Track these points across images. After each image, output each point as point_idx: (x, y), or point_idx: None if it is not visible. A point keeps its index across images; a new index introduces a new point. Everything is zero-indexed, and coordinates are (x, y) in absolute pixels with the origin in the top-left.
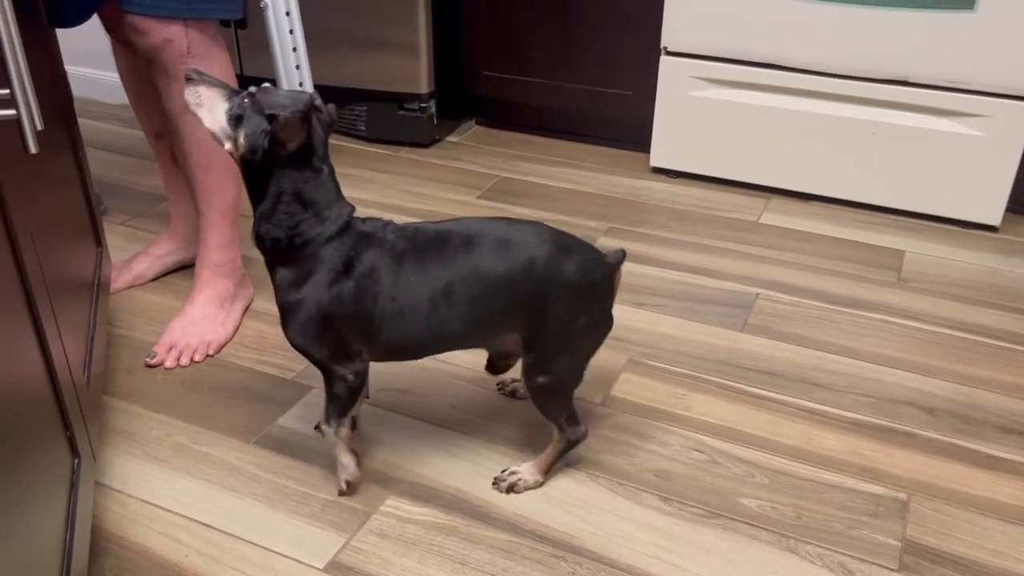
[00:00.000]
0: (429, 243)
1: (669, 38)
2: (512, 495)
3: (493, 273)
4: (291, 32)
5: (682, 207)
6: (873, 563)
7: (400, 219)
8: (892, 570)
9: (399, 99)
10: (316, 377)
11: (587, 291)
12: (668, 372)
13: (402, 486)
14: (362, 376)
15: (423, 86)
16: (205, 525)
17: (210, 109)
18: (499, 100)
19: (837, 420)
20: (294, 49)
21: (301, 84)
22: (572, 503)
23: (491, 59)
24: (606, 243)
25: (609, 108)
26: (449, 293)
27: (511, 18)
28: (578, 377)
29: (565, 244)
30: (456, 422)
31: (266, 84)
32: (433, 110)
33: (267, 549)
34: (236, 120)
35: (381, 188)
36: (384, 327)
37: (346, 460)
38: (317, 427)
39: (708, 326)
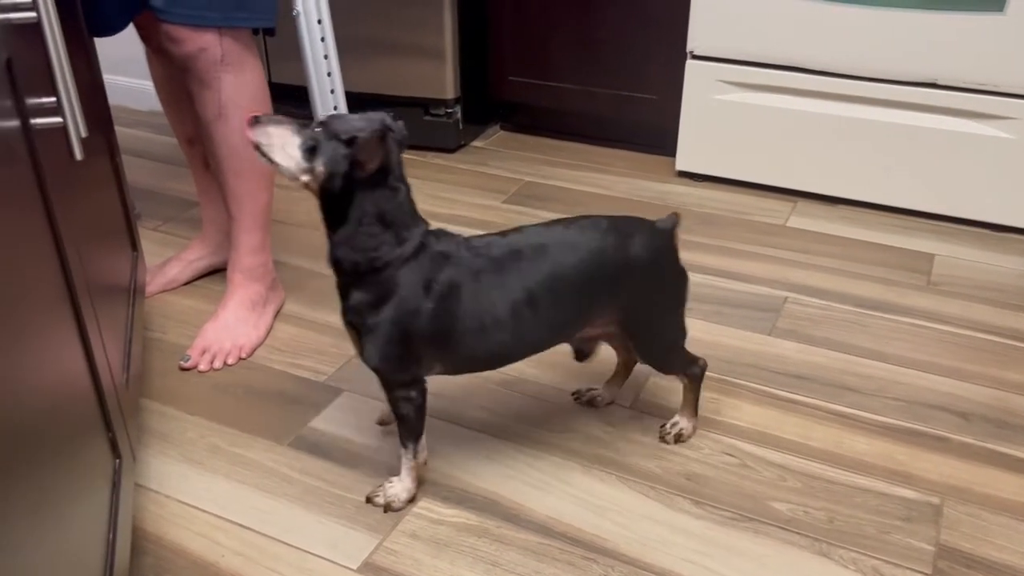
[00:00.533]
0: (503, 257)
1: (695, 42)
2: (544, 499)
3: (570, 274)
4: (322, 39)
5: (708, 211)
6: (907, 568)
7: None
8: (926, 575)
9: (425, 104)
10: (347, 380)
11: (658, 260)
12: None
13: (434, 488)
14: (425, 393)
15: (449, 91)
16: (240, 526)
17: (282, 147)
18: (524, 105)
19: (868, 424)
20: (325, 56)
21: (332, 91)
22: (603, 506)
23: (516, 64)
24: None
25: (635, 112)
26: (531, 301)
27: (536, 23)
28: (683, 332)
29: (624, 229)
30: (487, 425)
31: (334, 111)
32: (459, 115)
33: (302, 550)
34: (310, 152)
35: None
36: (464, 343)
37: (410, 484)
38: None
39: (737, 330)
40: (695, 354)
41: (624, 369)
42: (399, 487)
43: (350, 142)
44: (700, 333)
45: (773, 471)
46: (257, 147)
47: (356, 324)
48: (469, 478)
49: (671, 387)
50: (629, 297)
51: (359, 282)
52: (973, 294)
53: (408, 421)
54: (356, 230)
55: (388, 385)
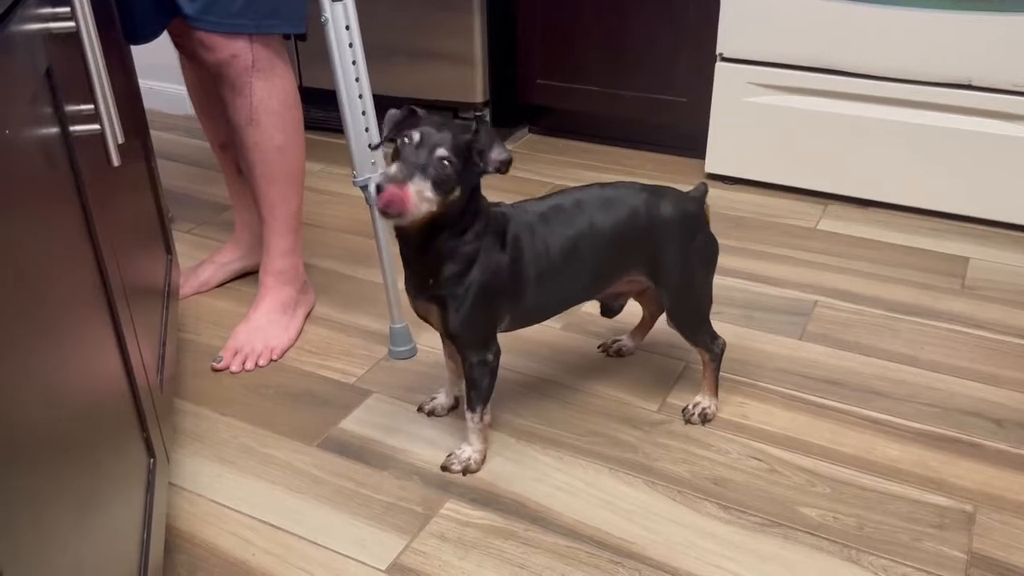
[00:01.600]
0: (548, 212)
1: (724, 44)
2: (571, 502)
3: (607, 227)
4: (351, 45)
5: (738, 214)
6: None
7: None
8: None
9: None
10: (377, 382)
11: (688, 222)
12: (726, 379)
13: (461, 490)
14: (499, 355)
15: (478, 95)
16: (271, 525)
17: (418, 200)
18: (553, 108)
19: (901, 430)
20: (354, 62)
21: (360, 96)
22: (630, 510)
23: (545, 67)
24: None
25: (664, 115)
26: (576, 250)
27: (564, 26)
28: (710, 298)
29: (657, 191)
30: (514, 428)
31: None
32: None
33: (331, 550)
34: (441, 183)
35: None
36: (529, 290)
37: (481, 446)
38: (420, 408)
39: (766, 334)
40: (717, 332)
41: (649, 320)
42: (470, 451)
43: (505, 162)
44: (730, 337)
45: (802, 476)
46: (407, 214)
47: (444, 295)
48: (496, 481)
49: (698, 390)
50: (660, 252)
51: (453, 257)
52: (1009, 298)
53: (480, 387)
54: (472, 222)
55: (466, 349)
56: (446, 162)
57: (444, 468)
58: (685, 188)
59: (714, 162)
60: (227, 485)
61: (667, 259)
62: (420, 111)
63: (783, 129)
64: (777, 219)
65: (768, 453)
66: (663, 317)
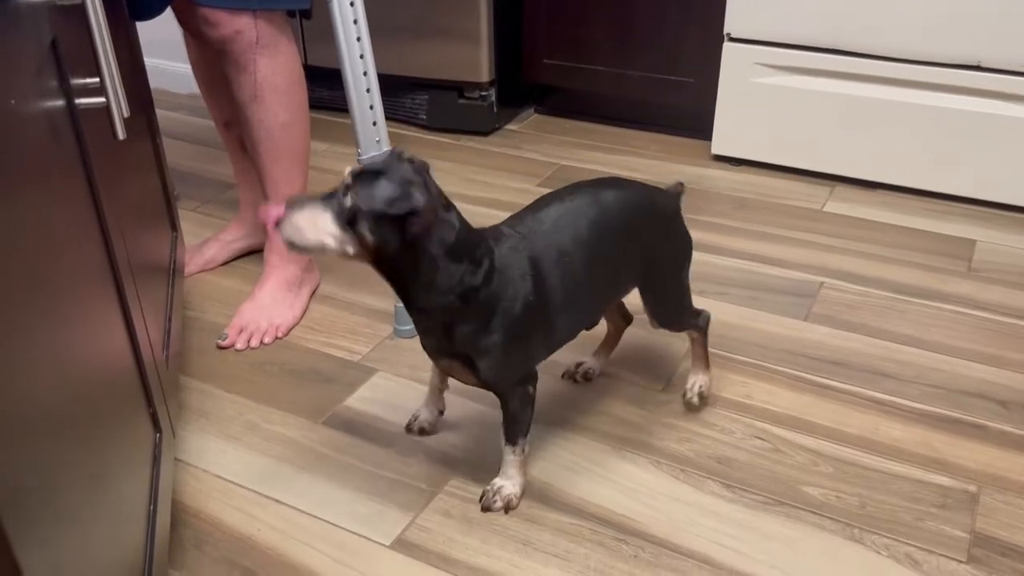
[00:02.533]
0: (551, 228)
1: (732, 24)
2: (575, 480)
3: (614, 230)
4: (355, 22)
5: (744, 195)
6: (941, 555)
7: (462, 208)
8: (960, 562)
9: (459, 88)
10: (382, 360)
11: (672, 220)
12: (730, 360)
13: (465, 467)
14: (536, 382)
15: (483, 75)
16: (276, 501)
17: (314, 230)
18: (559, 88)
19: (905, 411)
20: (358, 39)
21: (365, 73)
22: (634, 488)
23: (551, 47)
24: None
25: (670, 95)
26: (594, 262)
27: (571, 6)
28: (688, 289)
29: (644, 192)
30: None
31: (352, 170)
32: (493, 98)
33: (336, 525)
34: (350, 224)
35: (442, 177)
36: (560, 317)
37: (521, 479)
38: (408, 428)
39: (771, 315)
40: (697, 308)
41: (615, 335)
42: (510, 485)
43: (402, 220)
44: (734, 318)
45: (806, 456)
46: (289, 243)
47: (466, 352)
48: (500, 458)
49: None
50: (650, 253)
51: (461, 316)
52: (1015, 281)
53: (520, 420)
54: (433, 277)
55: (506, 392)
56: (347, 197)
57: (485, 508)
58: (691, 170)
59: (720, 143)
60: (233, 461)
61: (656, 257)
62: (405, 155)
63: (790, 110)
64: (783, 200)
65: (772, 433)
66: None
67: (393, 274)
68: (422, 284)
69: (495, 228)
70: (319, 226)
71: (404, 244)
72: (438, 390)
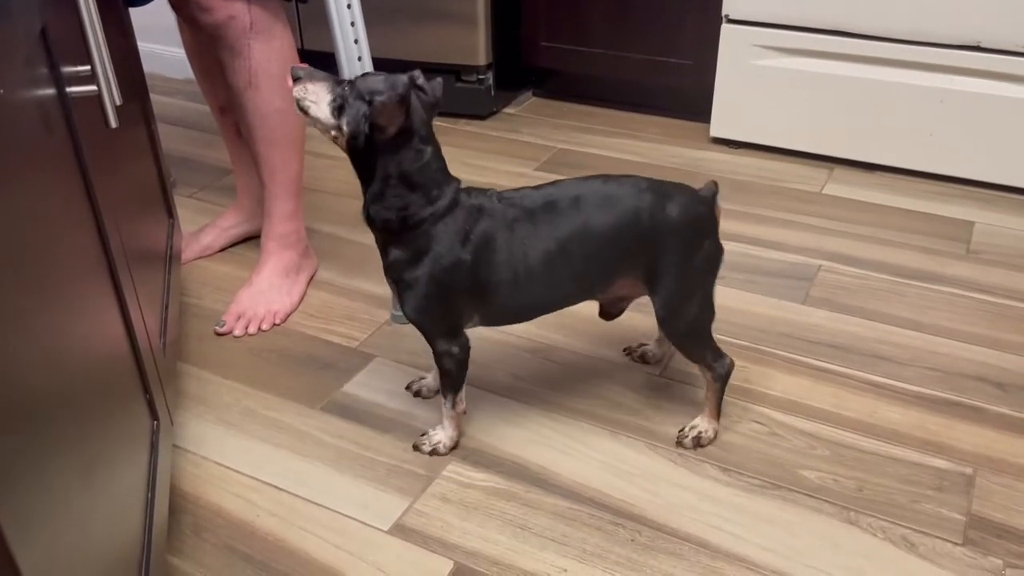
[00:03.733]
0: (537, 208)
1: (730, 5)
2: (572, 464)
3: (603, 229)
4: (349, 6)
5: (743, 178)
6: (937, 537)
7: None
8: (956, 544)
9: (457, 71)
10: (379, 346)
11: (695, 227)
12: (729, 344)
13: (463, 452)
14: (467, 349)
15: (481, 58)
16: (275, 487)
17: (316, 102)
18: (557, 71)
19: (902, 394)
20: (352, 23)
21: (360, 58)
22: (631, 472)
23: (549, 30)
24: None
25: (669, 78)
26: (563, 254)
27: None
28: (710, 311)
29: (663, 190)
30: (516, 391)
31: (368, 71)
32: (491, 82)
33: (334, 511)
34: (339, 109)
35: None
36: (500, 293)
37: (452, 432)
38: (408, 387)
39: (770, 298)
40: (723, 350)
41: None
42: (442, 435)
43: (370, 103)
44: (733, 301)
45: (803, 440)
46: (298, 102)
47: (395, 279)
48: (498, 443)
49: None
50: (659, 259)
51: (395, 239)
52: (1013, 263)
53: (450, 374)
54: (383, 189)
55: (429, 338)
56: (347, 87)
57: (415, 447)
58: (690, 153)
59: (719, 126)
60: (231, 448)
61: (666, 267)
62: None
63: (789, 92)
64: (782, 183)
65: (769, 417)
66: None
67: (359, 172)
68: (375, 192)
69: (484, 190)
70: (320, 103)
71: (369, 143)
72: None
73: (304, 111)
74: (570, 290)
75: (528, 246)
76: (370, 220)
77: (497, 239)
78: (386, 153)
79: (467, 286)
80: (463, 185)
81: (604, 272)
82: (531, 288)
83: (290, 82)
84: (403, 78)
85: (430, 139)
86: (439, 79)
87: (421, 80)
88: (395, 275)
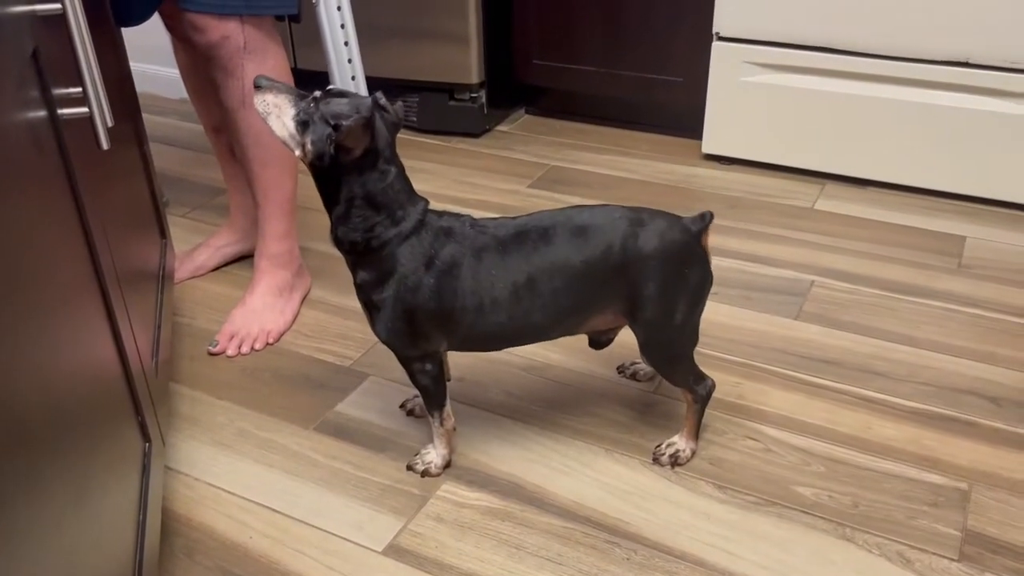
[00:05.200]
0: (508, 238)
1: (721, 23)
2: (567, 483)
3: (573, 263)
4: (342, 26)
5: (735, 194)
6: (933, 553)
7: (453, 209)
8: (952, 560)
9: (450, 90)
10: (373, 365)
11: (675, 256)
12: (722, 360)
13: (458, 471)
14: (439, 363)
15: (473, 76)
16: (268, 508)
17: (278, 116)
18: (549, 89)
19: (897, 409)
20: (346, 43)
21: (353, 78)
22: (626, 490)
23: (541, 48)
24: None
25: (660, 95)
26: (531, 286)
27: (560, 6)
28: (693, 338)
29: (640, 219)
30: (511, 409)
31: (330, 87)
32: (483, 100)
33: (328, 532)
34: (303, 126)
35: (433, 178)
36: (465, 321)
37: (443, 451)
38: (402, 405)
39: (762, 314)
40: (704, 372)
41: None
42: (433, 454)
43: (336, 127)
44: (726, 318)
45: (797, 456)
46: (262, 115)
47: (364, 301)
48: (493, 462)
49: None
50: (637, 291)
51: (362, 260)
52: (1005, 277)
53: (427, 392)
54: (348, 210)
55: (401, 359)
56: (312, 105)
57: (409, 467)
58: (682, 170)
59: (711, 142)
60: (224, 468)
61: (645, 298)
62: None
63: (780, 109)
64: (774, 199)
65: (763, 433)
66: None
67: (323, 193)
68: (340, 214)
69: (458, 214)
70: (282, 117)
71: (334, 164)
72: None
73: (266, 123)
74: (541, 323)
75: (496, 276)
76: (338, 242)
77: (463, 265)
78: (350, 174)
79: (431, 310)
80: (432, 206)
81: (578, 306)
82: (497, 318)
83: (241, 80)
84: (367, 100)
85: (394, 159)
86: (400, 102)
87: (384, 101)
88: (364, 297)
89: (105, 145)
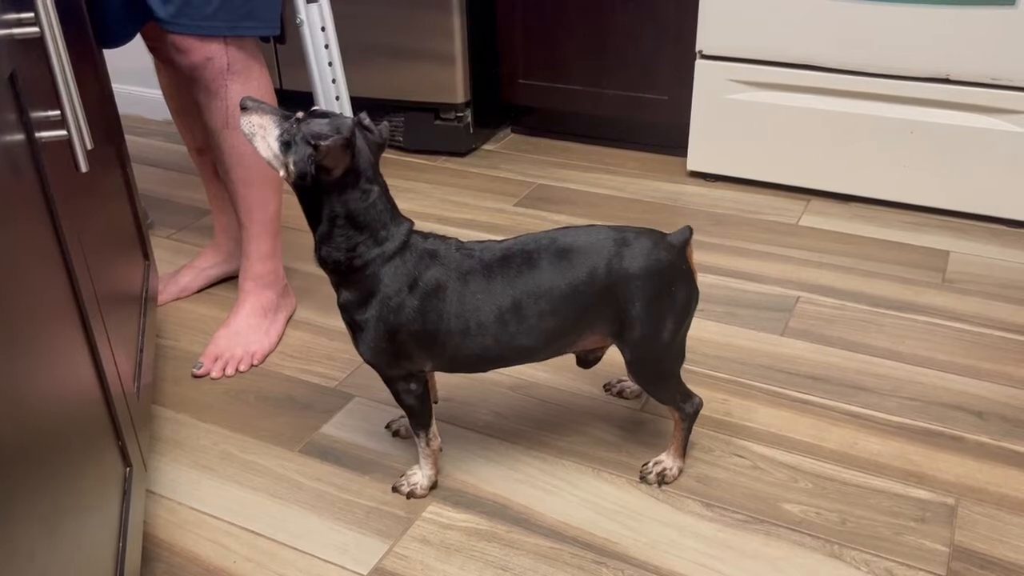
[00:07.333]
0: (494, 262)
1: (704, 42)
2: (554, 502)
3: (558, 286)
4: (327, 46)
5: (720, 211)
6: (920, 569)
7: (439, 228)
8: None
9: (436, 109)
10: (358, 386)
11: (660, 275)
12: (709, 377)
13: (444, 492)
14: (423, 382)
15: (459, 96)
16: (252, 532)
17: (263, 137)
18: (535, 108)
19: (883, 424)
20: (330, 64)
21: (338, 98)
22: (614, 509)
23: (526, 67)
24: None
25: (645, 113)
26: (517, 310)
27: (545, 26)
28: (680, 356)
29: (624, 239)
30: (497, 429)
31: (314, 107)
32: (469, 119)
33: (312, 555)
34: (286, 146)
35: (420, 198)
36: (449, 343)
37: (429, 472)
38: (388, 426)
39: (749, 330)
40: (691, 389)
41: None
42: (419, 475)
43: (316, 147)
44: (712, 334)
45: (785, 472)
46: (247, 135)
47: (348, 321)
48: (479, 482)
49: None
50: (624, 311)
51: (345, 280)
52: (989, 291)
53: (412, 412)
54: (331, 230)
55: (385, 378)
56: (294, 125)
57: (394, 488)
58: (667, 187)
59: (696, 160)
60: (207, 492)
61: (632, 318)
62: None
63: (764, 126)
64: (759, 215)
65: (750, 450)
66: None
67: (307, 213)
68: (323, 233)
69: (444, 237)
70: (267, 138)
71: (315, 183)
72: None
73: (250, 142)
74: (527, 345)
75: (481, 300)
76: (322, 261)
77: (448, 288)
78: (332, 193)
79: (413, 332)
80: (418, 225)
81: (565, 329)
82: (484, 341)
83: (224, 100)
84: (348, 121)
85: (376, 179)
86: (386, 122)
87: (368, 121)
88: (347, 316)
89: (84, 168)
